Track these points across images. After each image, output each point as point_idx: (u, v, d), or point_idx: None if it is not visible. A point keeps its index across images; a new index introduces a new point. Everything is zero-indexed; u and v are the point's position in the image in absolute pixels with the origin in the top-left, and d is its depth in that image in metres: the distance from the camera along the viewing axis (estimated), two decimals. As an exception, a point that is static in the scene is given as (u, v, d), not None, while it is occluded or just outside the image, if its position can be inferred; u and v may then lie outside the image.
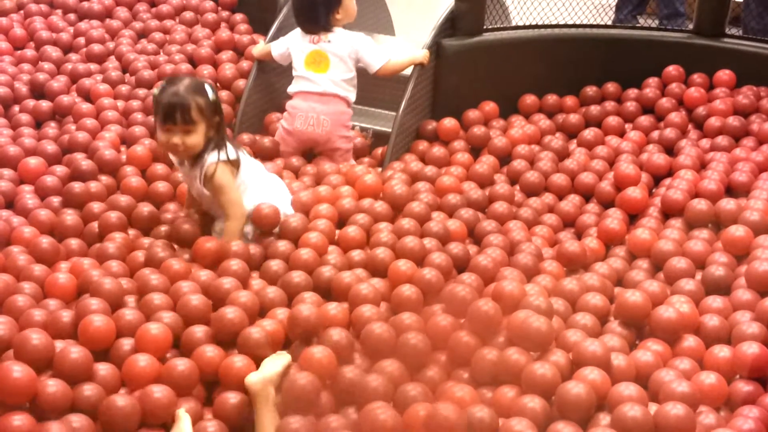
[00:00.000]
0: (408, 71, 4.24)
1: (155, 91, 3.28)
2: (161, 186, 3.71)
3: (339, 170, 3.92)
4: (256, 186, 3.42)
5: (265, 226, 3.35)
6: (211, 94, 3.24)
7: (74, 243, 3.32)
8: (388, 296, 3.05)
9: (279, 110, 4.43)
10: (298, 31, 4.21)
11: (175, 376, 2.62)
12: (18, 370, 2.44)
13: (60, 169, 3.76)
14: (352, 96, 4.19)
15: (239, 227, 3.32)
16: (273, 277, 3.16)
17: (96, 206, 3.50)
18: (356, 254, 3.28)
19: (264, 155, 4.12)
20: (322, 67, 4.13)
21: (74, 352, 2.59)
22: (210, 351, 2.74)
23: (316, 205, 3.56)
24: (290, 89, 4.21)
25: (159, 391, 2.54)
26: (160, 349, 2.73)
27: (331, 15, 4.14)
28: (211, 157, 3.28)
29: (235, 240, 3.28)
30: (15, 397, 2.44)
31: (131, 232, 3.43)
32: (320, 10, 4.12)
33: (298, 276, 3.10)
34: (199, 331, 2.81)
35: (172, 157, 3.43)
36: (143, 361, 2.63)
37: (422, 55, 4.20)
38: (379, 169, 4.08)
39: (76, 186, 3.58)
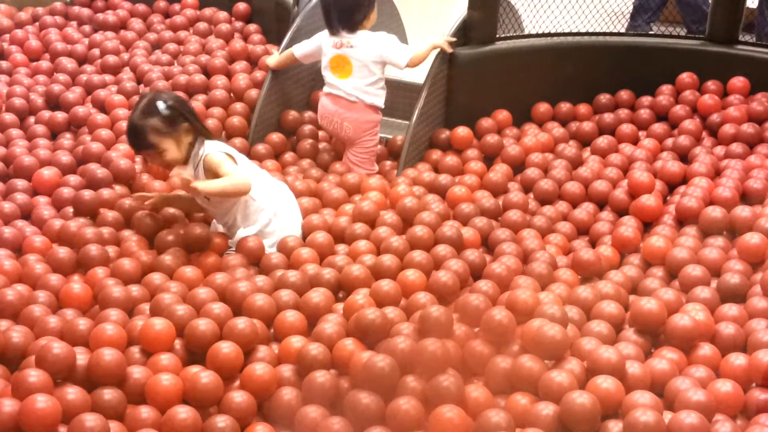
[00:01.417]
0: (421, 80, 4.24)
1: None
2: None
3: (347, 181, 3.94)
4: (266, 192, 3.46)
5: (250, 258, 3.35)
6: (162, 108, 3.25)
7: (90, 252, 3.31)
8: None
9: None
10: (325, 32, 4.22)
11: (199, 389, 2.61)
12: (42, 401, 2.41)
13: (74, 180, 3.77)
14: (379, 100, 4.21)
15: (238, 182, 3.26)
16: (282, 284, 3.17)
17: (110, 215, 3.53)
18: (367, 259, 3.29)
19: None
20: (345, 72, 4.16)
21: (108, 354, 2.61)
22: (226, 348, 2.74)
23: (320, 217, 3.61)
24: (324, 87, 4.26)
25: (184, 412, 2.52)
26: (165, 343, 2.76)
27: (365, 19, 4.16)
28: (202, 151, 3.32)
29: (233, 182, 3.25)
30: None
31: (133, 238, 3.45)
32: (351, 13, 4.11)
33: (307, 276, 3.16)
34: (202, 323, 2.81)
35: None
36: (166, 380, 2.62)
37: (443, 40, 4.21)
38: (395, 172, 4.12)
39: (86, 194, 3.59)
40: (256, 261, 3.34)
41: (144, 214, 3.49)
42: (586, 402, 2.47)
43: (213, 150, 3.32)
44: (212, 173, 3.30)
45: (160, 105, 3.25)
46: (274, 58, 4.45)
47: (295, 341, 2.83)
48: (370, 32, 4.17)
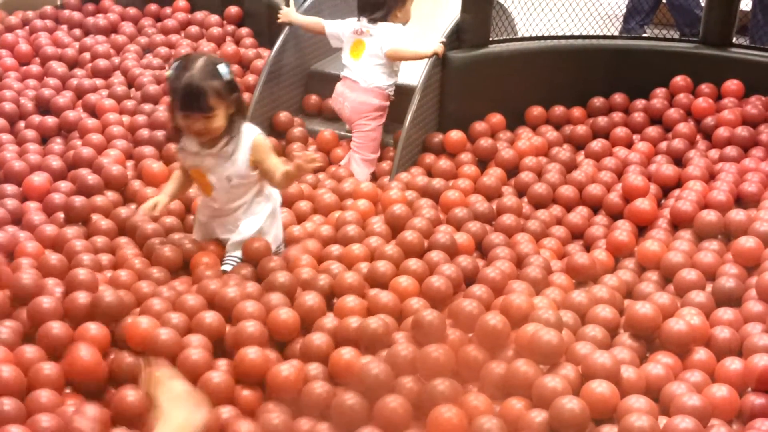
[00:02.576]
0: (415, 83, 4.23)
1: (169, 72, 3.16)
2: (172, 203, 3.68)
3: (341, 187, 3.93)
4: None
5: (255, 259, 3.30)
6: (225, 74, 3.13)
7: (82, 261, 3.26)
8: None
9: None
10: (352, 20, 4.37)
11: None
12: None
13: (65, 186, 3.74)
14: (382, 81, 4.31)
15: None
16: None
17: (103, 223, 3.49)
18: (363, 266, 3.27)
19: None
20: (359, 52, 4.31)
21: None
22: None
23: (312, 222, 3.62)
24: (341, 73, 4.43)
25: None
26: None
27: (389, 14, 4.30)
28: (248, 132, 3.23)
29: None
30: None
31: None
32: (375, 7, 4.28)
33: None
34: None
35: (186, 144, 3.27)
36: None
37: (434, 48, 4.23)
38: (386, 179, 4.11)
39: (77, 200, 3.55)
40: (256, 262, 3.29)
41: (139, 221, 3.46)
42: (575, 407, 2.46)
43: (259, 132, 3.27)
44: (258, 156, 3.22)
45: (223, 69, 3.12)
46: (305, 18, 4.53)
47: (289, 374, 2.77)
48: (390, 24, 4.29)
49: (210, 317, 2.86)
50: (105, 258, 3.31)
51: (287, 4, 4.62)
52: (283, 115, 4.49)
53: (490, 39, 4.41)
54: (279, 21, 4.54)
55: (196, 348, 2.73)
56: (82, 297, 2.90)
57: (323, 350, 2.79)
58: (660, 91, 4.41)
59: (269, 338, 2.88)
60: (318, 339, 2.82)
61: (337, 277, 3.13)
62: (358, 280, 3.12)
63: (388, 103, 4.35)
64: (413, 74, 4.34)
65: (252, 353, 2.71)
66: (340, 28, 4.38)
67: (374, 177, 4.28)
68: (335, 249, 3.41)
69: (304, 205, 3.76)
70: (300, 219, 3.70)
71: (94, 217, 3.53)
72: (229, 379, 2.68)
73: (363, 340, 2.79)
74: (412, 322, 2.81)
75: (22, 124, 4.33)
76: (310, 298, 2.99)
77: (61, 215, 3.57)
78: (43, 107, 4.44)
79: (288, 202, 3.74)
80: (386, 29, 4.28)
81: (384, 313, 2.94)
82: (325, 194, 3.81)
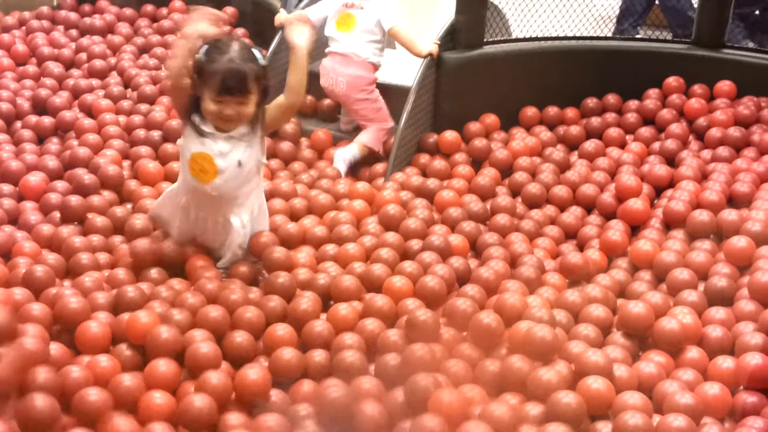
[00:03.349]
0: (410, 83, 4.25)
1: (199, 56, 3.04)
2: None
3: (332, 187, 3.95)
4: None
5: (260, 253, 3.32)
6: (260, 59, 3.09)
7: (80, 259, 3.25)
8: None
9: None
10: None
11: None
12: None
13: (61, 185, 3.76)
14: (375, 58, 4.36)
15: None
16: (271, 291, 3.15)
17: (99, 220, 3.50)
18: (357, 266, 3.28)
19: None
20: (348, 26, 4.33)
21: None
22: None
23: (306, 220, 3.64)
24: (327, 49, 4.43)
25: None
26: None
27: None
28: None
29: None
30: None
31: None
32: None
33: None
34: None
35: (199, 124, 3.14)
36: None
37: (428, 49, 4.24)
38: (380, 181, 4.12)
39: (73, 200, 3.57)
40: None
41: (135, 220, 3.47)
42: (571, 402, 2.48)
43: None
44: (270, 113, 3.22)
45: (258, 54, 3.09)
46: (292, 14, 4.51)
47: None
48: None
49: (214, 312, 2.88)
50: (102, 257, 3.33)
51: (282, 7, 4.64)
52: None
53: (485, 40, 4.43)
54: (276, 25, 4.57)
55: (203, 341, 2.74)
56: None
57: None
58: (653, 92, 4.44)
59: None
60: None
61: (334, 281, 3.14)
62: (355, 284, 3.12)
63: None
64: (408, 75, 4.35)
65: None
66: (324, 8, 4.39)
67: (369, 177, 4.29)
68: (330, 248, 3.42)
69: (298, 203, 3.77)
70: (295, 219, 3.70)
71: (90, 216, 3.54)
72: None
73: (337, 373, 2.73)
74: (405, 321, 2.83)
75: (18, 124, 4.33)
76: (304, 302, 2.99)
77: (57, 215, 3.58)
78: (40, 107, 4.44)
79: (283, 201, 3.76)
80: (380, 4, 4.30)
81: (378, 316, 2.94)
82: (320, 195, 3.83)
